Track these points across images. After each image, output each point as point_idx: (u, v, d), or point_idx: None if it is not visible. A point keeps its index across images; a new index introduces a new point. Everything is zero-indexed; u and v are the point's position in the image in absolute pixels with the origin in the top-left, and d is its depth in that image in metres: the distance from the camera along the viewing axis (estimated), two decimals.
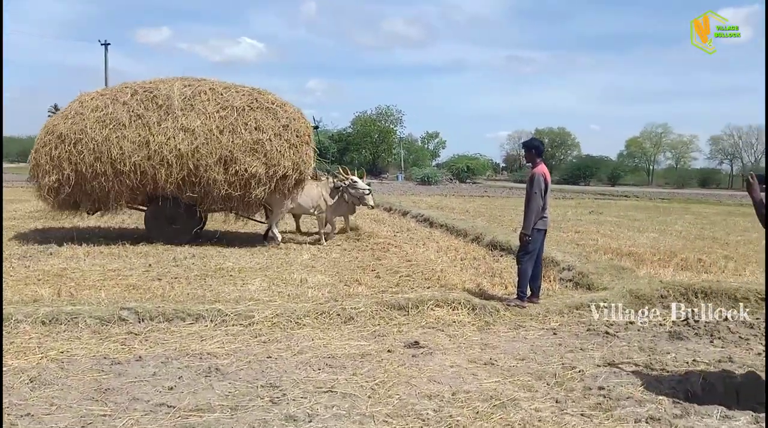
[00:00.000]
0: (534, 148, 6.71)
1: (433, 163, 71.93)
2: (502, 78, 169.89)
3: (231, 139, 10.01)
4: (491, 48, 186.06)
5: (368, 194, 11.42)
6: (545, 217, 6.61)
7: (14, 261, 8.15)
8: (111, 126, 9.91)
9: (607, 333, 5.78)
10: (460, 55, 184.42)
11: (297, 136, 10.33)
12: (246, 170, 9.96)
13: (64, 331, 5.19)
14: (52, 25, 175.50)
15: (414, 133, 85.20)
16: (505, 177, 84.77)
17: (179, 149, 9.83)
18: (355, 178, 11.23)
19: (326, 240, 11.14)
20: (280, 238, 10.82)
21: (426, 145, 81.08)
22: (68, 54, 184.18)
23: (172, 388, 4.09)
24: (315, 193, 11.16)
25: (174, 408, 3.77)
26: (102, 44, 29.86)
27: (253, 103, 10.40)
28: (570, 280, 7.84)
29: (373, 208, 12.37)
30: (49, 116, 15.66)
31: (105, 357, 4.65)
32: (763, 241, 9.03)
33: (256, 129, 10.16)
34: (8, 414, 3.61)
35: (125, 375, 4.31)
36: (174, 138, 9.89)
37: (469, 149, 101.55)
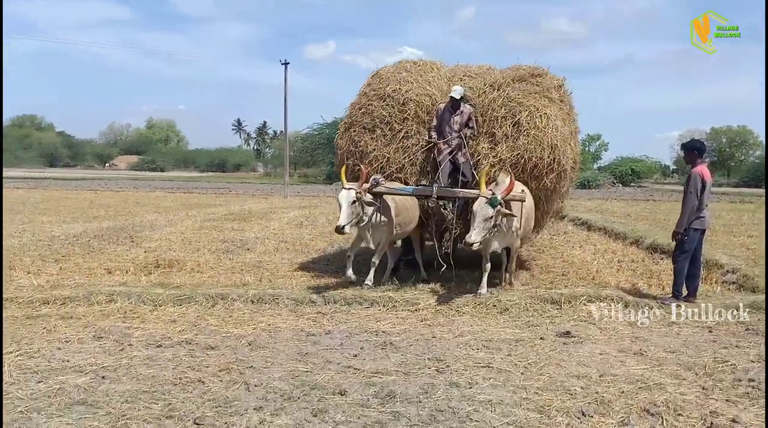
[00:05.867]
0: (696, 149, 6.79)
1: (595, 166, 68.99)
2: (672, 74, 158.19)
3: None
4: (660, 42, 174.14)
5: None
6: (702, 217, 6.64)
7: (221, 255, 9.77)
8: None
9: None
10: (626, 52, 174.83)
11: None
12: None
13: (268, 309, 6.39)
14: (234, 46, 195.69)
15: None
16: (676, 180, 78.67)
17: None
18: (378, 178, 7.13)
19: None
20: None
21: (587, 148, 77.95)
22: (248, 71, 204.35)
23: (356, 355, 4.98)
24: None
25: (359, 370, 4.64)
26: (282, 63, 32.90)
27: None
28: (734, 283, 7.67)
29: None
30: None
31: (302, 330, 5.69)
32: None
33: None
34: (237, 366, 4.70)
35: (319, 344, 5.29)
36: None
37: (634, 151, 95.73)
